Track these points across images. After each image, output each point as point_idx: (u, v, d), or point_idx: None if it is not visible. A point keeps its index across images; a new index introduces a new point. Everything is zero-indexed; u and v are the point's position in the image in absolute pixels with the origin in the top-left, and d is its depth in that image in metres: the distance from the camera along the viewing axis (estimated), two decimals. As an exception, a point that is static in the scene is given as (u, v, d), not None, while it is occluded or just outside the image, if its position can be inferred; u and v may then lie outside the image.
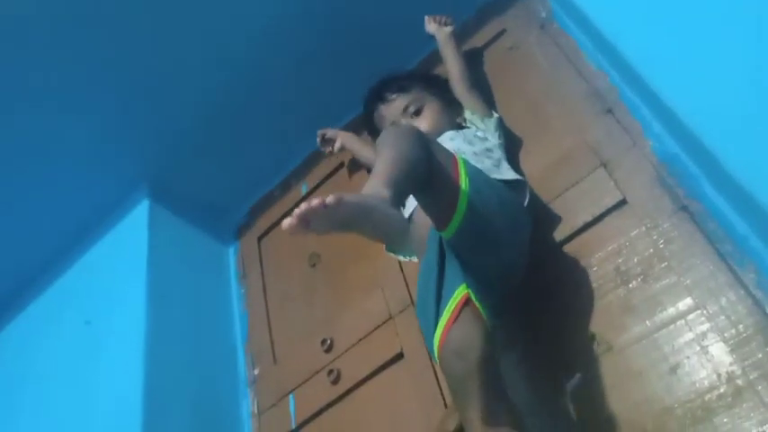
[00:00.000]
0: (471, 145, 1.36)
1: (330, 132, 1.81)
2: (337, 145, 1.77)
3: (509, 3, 1.72)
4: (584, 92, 1.41)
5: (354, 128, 1.84)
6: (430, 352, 1.04)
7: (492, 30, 1.73)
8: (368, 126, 1.67)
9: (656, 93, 1.12)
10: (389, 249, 1.42)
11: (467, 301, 0.98)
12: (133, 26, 1.69)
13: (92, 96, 1.80)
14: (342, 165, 1.91)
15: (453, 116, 1.52)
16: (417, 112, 1.50)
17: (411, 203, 1.27)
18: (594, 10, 1.30)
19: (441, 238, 1.08)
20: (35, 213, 2.01)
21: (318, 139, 1.83)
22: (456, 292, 0.99)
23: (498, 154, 1.38)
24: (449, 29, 1.62)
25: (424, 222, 1.15)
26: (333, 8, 1.78)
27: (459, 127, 1.49)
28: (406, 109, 1.51)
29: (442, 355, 0.97)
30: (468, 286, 1.00)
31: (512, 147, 1.47)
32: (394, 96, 1.55)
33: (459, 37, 1.77)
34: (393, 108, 1.54)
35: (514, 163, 1.42)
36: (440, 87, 1.57)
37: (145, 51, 1.75)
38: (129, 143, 1.96)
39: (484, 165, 1.27)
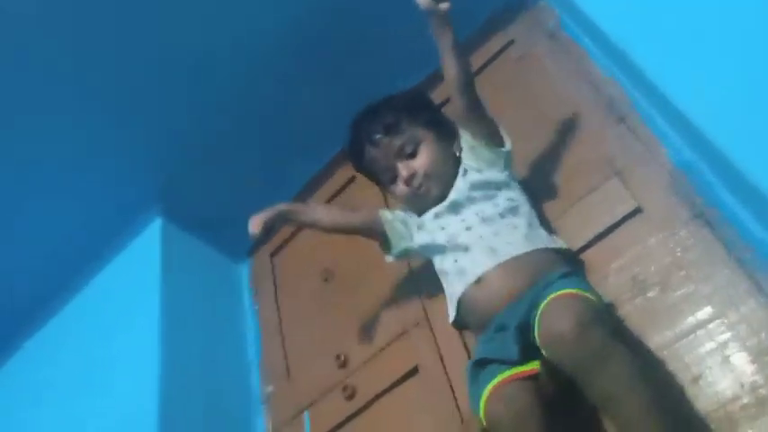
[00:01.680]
0: (495, 206, 1.24)
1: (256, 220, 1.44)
2: (257, 228, 1.43)
3: (516, 13, 1.72)
4: (595, 101, 1.40)
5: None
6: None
7: (500, 41, 1.72)
8: (357, 167, 1.48)
9: (669, 100, 1.11)
10: (384, 249, 1.42)
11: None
12: (145, 44, 1.70)
13: (104, 115, 1.81)
14: (353, 178, 1.90)
15: (452, 148, 1.36)
16: (413, 154, 1.33)
17: (481, 263, 1.17)
18: (603, 18, 1.29)
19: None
20: (49, 233, 2.01)
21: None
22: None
23: (524, 202, 1.27)
24: (445, 5, 1.25)
25: (499, 289, 1.13)
26: (337, 21, 1.78)
27: (459, 163, 1.35)
28: (399, 151, 1.34)
29: None
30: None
31: (523, 159, 1.44)
32: (383, 138, 1.35)
33: (467, 49, 1.77)
34: (384, 151, 1.35)
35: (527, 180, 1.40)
36: (432, 115, 1.40)
37: (158, 69, 1.76)
38: (141, 162, 1.97)
39: (515, 235, 1.18)
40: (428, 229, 1.31)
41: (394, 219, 1.40)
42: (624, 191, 1.23)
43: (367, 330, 1.59)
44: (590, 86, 1.43)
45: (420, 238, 1.33)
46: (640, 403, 0.90)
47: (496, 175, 1.29)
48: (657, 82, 1.14)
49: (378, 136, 1.35)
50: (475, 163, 1.30)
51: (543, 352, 0.99)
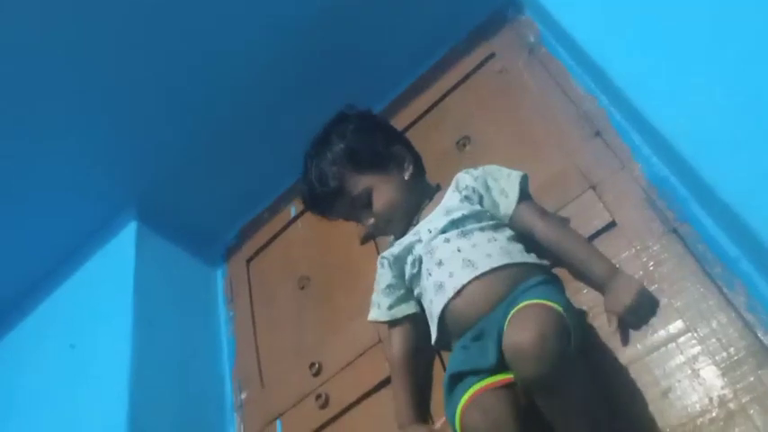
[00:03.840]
0: (478, 221, 1.23)
1: None
2: None
3: (498, 27, 1.73)
4: (573, 115, 1.41)
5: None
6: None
7: (481, 54, 1.74)
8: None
9: (644, 116, 1.13)
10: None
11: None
12: (119, 47, 1.68)
13: (79, 118, 1.80)
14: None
15: (403, 176, 1.36)
16: (368, 204, 1.33)
17: (459, 276, 1.15)
18: (582, 34, 1.31)
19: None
20: (21, 235, 1.99)
21: None
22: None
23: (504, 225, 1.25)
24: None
25: (478, 301, 1.13)
26: (321, 32, 1.78)
27: (416, 186, 1.36)
28: (354, 205, 1.34)
29: None
30: None
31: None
32: (334, 199, 1.35)
33: (448, 62, 1.79)
34: (340, 209, 1.37)
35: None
36: (374, 156, 1.35)
37: (132, 72, 1.74)
38: (117, 165, 1.95)
39: (493, 247, 1.16)
40: (402, 240, 1.31)
41: (396, 305, 1.33)
42: (599, 204, 1.25)
43: (342, 338, 1.59)
44: (567, 100, 1.44)
45: (394, 249, 1.32)
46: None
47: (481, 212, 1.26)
48: (633, 98, 1.16)
49: (328, 198, 1.35)
50: (465, 210, 1.25)
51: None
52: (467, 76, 1.74)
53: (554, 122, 1.45)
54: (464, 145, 1.62)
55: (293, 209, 1.99)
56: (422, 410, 1.28)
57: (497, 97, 1.64)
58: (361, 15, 1.77)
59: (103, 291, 1.90)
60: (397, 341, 1.32)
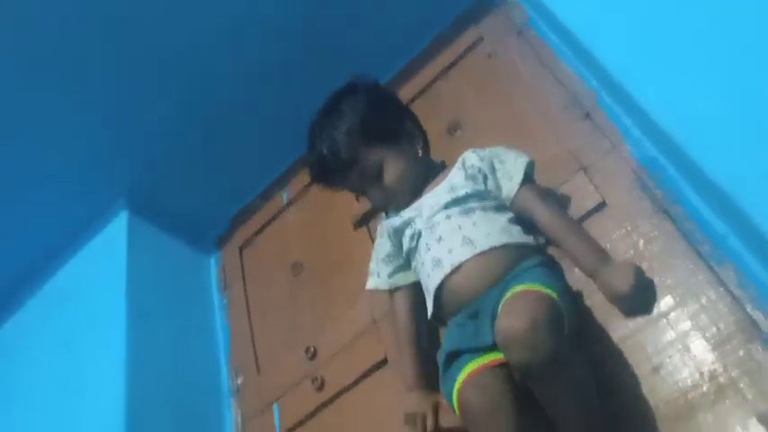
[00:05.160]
0: (480, 200, 1.23)
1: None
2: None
3: (486, 10, 1.74)
4: (562, 97, 1.43)
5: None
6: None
7: (469, 38, 1.74)
8: (326, 188, 1.44)
9: (633, 97, 1.14)
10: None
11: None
12: (107, 35, 1.67)
13: (69, 108, 1.79)
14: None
15: (414, 149, 1.37)
16: (378, 176, 1.32)
17: (458, 253, 1.16)
18: (570, 16, 1.32)
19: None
20: (11, 227, 1.97)
21: None
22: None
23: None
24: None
25: (475, 279, 1.14)
26: (308, 17, 1.78)
27: (425, 161, 1.37)
28: (364, 178, 1.33)
29: None
30: None
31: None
32: (345, 172, 1.33)
33: (437, 47, 1.79)
34: (350, 182, 1.35)
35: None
36: (388, 128, 1.35)
37: (120, 61, 1.74)
38: (107, 155, 1.94)
39: (493, 226, 1.18)
40: (403, 213, 1.31)
41: (394, 273, 1.34)
42: (590, 186, 1.26)
43: (336, 322, 1.60)
44: (557, 83, 1.45)
45: (394, 221, 1.32)
46: (576, 423, 0.98)
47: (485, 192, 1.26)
48: (621, 79, 1.17)
49: (339, 169, 1.33)
50: (468, 188, 1.25)
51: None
52: (455, 61, 1.75)
53: (544, 105, 1.46)
54: (455, 130, 1.63)
55: (285, 195, 2.00)
56: (429, 372, 1.27)
57: (487, 81, 1.65)
58: (347, 2, 1.77)
59: (96, 282, 1.90)
60: (401, 307, 1.33)
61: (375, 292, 1.39)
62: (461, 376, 1.03)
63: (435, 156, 1.43)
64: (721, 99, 1.00)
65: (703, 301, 1.04)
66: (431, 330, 1.32)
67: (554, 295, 1.02)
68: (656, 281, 1.10)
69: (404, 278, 1.33)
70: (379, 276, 1.35)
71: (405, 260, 1.33)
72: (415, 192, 1.33)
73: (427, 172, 1.36)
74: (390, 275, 1.34)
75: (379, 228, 1.39)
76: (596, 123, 1.34)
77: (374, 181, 1.33)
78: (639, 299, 1.08)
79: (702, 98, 1.02)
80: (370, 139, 1.32)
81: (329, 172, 1.36)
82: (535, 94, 1.49)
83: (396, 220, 1.31)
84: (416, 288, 1.31)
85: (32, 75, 1.69)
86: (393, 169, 1.32)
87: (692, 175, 1.08)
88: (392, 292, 1.35)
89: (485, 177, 1.27)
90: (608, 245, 1.18)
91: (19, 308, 2.08)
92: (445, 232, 1.20)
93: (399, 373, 1.31)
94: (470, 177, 1.27)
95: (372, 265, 1.38)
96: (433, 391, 1.23)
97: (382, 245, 1.36)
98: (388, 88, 1.55)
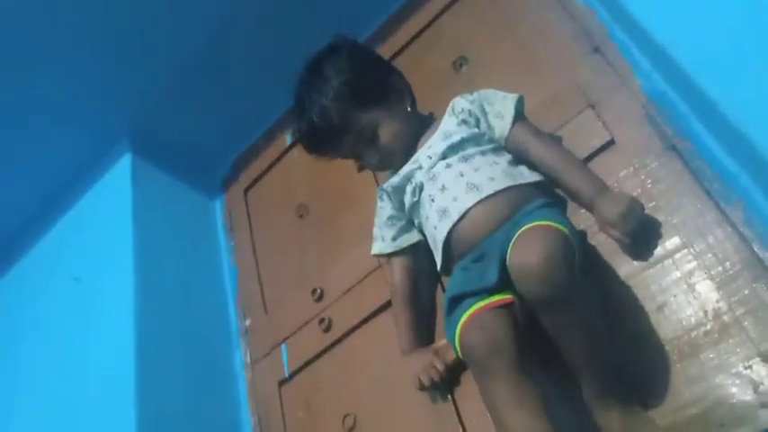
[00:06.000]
0: (477, 145, 1.21)
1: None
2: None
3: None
4: (572, 31, 1.38)
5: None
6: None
7: (477, -31, 1.67)
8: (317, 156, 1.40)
9: (645, 29, 1.11)
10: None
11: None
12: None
13: (67, 48, 1.75)
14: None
15: (404, 106, 1.33)
16: (373, 139, 1.29)
17: (463, 200, 1.15)
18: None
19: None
20: (15, 171, 1.97)
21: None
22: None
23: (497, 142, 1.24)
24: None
25: (482, 223, 1.13)
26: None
27: (416, 116, 1.34)
28: (358, 142, 1.29)
29: None
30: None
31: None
32: (339, 137, 1.29)
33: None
34: (344, 148, 1.32)
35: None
36: (378, 90, 1.31)
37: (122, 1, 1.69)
38: (109, 96, 1.92)
39: (495, 170, 1.16)
40: (401, 170, 1.29)
41: (398, 235, 1.33)
42: (598, 123, 1.23)
43: (342, 264, 1.60)
44: (566, 15, 1.40)
45: (393, 180, 1.30)
46: (585, 352, 0.98)
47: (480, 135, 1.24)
48: (633, 11, 1.13)
49: (332, 136, 1.29)
50: (463, 133, 1.23)
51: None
52: (462, -7, 1.69)
53: (552, 39, 1.41)
54: (460, 65, 1.59)
55: (288, 137, 1.97)
56: (424, 337, 1.30)
57: (494, 15, 1.59)
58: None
59: (103, 224, 1.90)
60: (399, 271, 1.33)
61: (380, 256, 1.38)
62: (463, 318, 1.04)
63: (442, 93, 1.39)
64: (735, 32, 0.96)
65: (710, 240, 1.03)
66: (428, 293, 1.34)
67: (565, 230, 1.02)
68: (663, 220, 1.08)
69: (408, 239, 1.32)
70: (383, 240, 1.35)
71: (407, 220, 1.32)
72: (411, 149, 1.30)
73: (419, 127, 1.33)
74: (394, 238, 1.33)
75: (377, 192, 1.37)
76: (606, 57, 1.29)
77: (369, 144, 1.30)
78: (637, 234, 1.06)
79: (717, 30, 0.98)
80: (360, 101, 1.27)
81: (322, 140, 1.32)
82: (544, 27, 1.44)
83: (394, 179, 1.30)
84: (418, 249, 1.32)
85: (29, 13, 1.64)
86: (387, 129, 1.29)
87: (704, 110, 1.05)
88: (390, 256, 1.35)
89: (477, 120, 1.24)
90: (615, 184, 1.16)
91: (29, 249, 2.10)
92: (448, 181, 1.18)
93: (397, 338, 1.32)
94: (462, 122, 1.24)
95: (375, 230, 1.37)
96: (426, 347, 1.26)
97: (383, 209, 1.35)
98: (368, 46, 1.50)
